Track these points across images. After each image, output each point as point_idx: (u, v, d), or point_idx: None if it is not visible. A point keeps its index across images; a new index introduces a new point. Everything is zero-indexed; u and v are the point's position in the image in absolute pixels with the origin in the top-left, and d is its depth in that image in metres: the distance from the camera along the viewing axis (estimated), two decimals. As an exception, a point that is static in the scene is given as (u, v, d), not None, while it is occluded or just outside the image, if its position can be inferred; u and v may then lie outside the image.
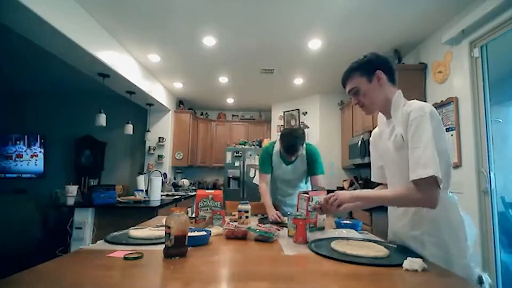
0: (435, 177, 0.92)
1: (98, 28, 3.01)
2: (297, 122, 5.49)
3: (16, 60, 3.85)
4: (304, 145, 2.05)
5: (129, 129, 4.39)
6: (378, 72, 1.13)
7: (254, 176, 5.47)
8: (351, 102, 4.52)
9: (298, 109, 5.53)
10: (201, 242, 1.13)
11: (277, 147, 2.12)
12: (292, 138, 1.93)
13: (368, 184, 4.19)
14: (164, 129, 5.44)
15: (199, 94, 5.52)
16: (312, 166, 2.10)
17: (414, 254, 0.95)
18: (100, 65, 3.20)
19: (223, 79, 4.64)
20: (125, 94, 4.32)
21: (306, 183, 2.22)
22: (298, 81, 4.63)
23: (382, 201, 1.10)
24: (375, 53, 1.19)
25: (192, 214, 1.89)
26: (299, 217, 1.22)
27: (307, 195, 1.38)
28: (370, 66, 1.15)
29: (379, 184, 1.32)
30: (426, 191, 0.94)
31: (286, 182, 2.19)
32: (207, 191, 1.62)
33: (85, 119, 5.22)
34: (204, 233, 1.18)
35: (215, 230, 1.32)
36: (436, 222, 1.01)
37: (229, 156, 5.60)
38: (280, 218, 1.74)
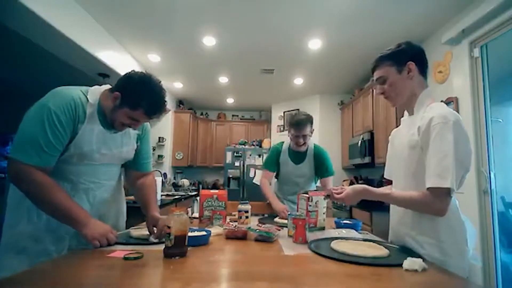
0: (450, 189, 0.92)
1: (98, 28, 3.01)
2: (297, 122, 5.47)
3: (16, 60, 3.85)
4: (311, 140, 2.11)
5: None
6: (410, 63, 1.10)
7: (254, 176, 5.47)
8: (351, 102, 4.53)
9: (298, 109, 5.52)
10: (201, 242, 1.12)
11: (286, 145, 2.15)
12: (300, 115, 2.01)
13: (369, 184, 4.18)
14: (164, 129, 5.44)
15: (199, 94, 5.53)
16: (321, 169, 2.11)
17: (414, 254, 0.96)
18: (100, 65, 3.20)
19: (223, 79, 4.64)
20: (125, 94, 4.31)
21: (315, 185, 2.21)
22: (298, 81, 4.63)
23: (390, 199, 1.09)
24: (410, 42, 1.15)
25: (192, 214, 1.90)
26: (298, 217, 1.22)
27: (307, 195, 1.38)
28: (402, 56, 1.11)
29: (388, 181, 1.32)
30: (438, 200, 0.95)
31: (295, 184, 2.14)
32: (211, 191, 1.62)
33: (85, 119, 5.21)
34: (204, 233, 1.18)
35: (215, 230, 1.32)
36: (435, 224, 1.00)
37: (229, 156, 5.60)
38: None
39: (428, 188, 0.96)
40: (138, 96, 1.13)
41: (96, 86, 1.20)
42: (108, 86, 1.21)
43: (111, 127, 1.19)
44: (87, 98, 1.13)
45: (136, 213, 2.70)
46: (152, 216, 1.21)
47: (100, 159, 1.19)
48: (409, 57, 1.11)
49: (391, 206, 1.21)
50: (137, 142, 1.35)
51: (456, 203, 1.04)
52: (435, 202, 0.95)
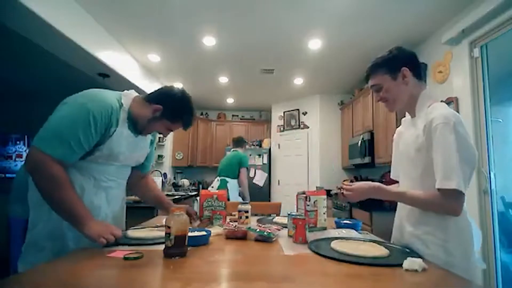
0: (456, 189, 0.92)
1: (98, 28, 3.01)
2: (297, 122, 5.49)
3: (16, 60, 3.85)
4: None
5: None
6: (404, 69, 1.10)
7: (254, 176, 5.46)
8: (351, 102, 4.53)
9: (298, 109, 5.53)
10: (201, 242, 1.12)
11: None
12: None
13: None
14: (164, 129, 5.43)
15: (199, 94, 5.52)
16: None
17: (414, 254, 0.96)
18: (100, 65, 3.20)
19: (223, 79, 4.64)
20: (125, 94, 4.32)
21: None
22: (298, 81, 4.63)
23: (405, 199, 1.09)
24: (400, 47, 1.15)
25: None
26: (298, 217, 1.22)
27: (305, 195, 1.38)
28: (395, 63, 1.11)
29: (388, 181, 1.31)
30: (449, 200, 0.95)
31: None
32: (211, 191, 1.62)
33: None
34: (204, 233, 1.18)
35: (215, 230, 1.32)
36: (443, 224, 1.00)
37: (229, 156, 5.58)
38: None
39: (438, 189, 0.97)
40: (180, 112, 1.30)
41: (126, 91, 1.30)
42: (135, 93, 1.30)
43: (136, 132, 1.28)
44: (121, 103, 1.21)
45: (135, 214, 2.71)
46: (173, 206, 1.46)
47: (122, 160, 1.27)
48: (402, 63, 1.11)
49: (399, 204, 1.20)
50: (149, 147, 1.45)
51: (465, 204, 1.03)
52: (447, 202, 0.96)
